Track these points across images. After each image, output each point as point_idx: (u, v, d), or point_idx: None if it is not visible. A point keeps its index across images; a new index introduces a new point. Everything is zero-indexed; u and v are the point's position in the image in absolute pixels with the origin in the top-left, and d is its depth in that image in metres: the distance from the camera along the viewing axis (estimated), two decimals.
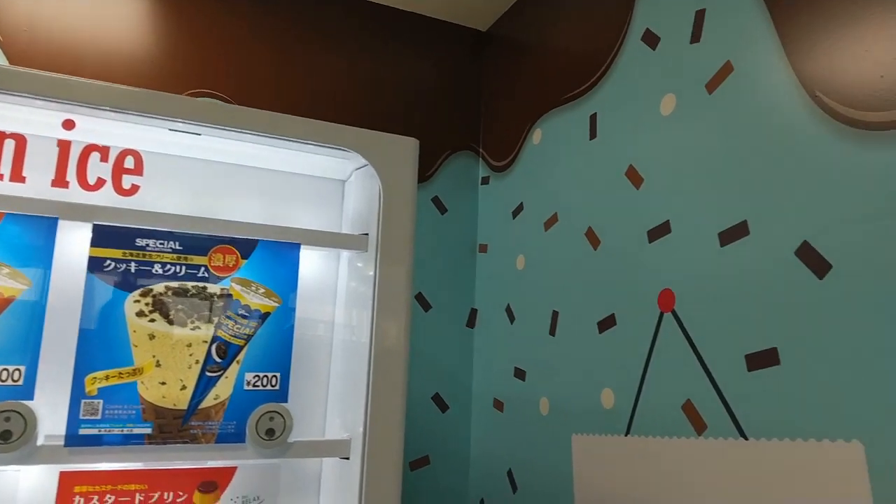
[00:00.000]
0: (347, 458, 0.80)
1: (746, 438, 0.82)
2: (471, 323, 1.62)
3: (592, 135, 1.24)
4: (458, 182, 1.66)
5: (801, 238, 0.79)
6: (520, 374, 1.39)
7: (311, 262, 0.86)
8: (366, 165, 0.82)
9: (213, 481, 0.75)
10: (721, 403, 0.87)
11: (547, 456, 1.25)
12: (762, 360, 0.82)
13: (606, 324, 1.13)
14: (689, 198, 0.98)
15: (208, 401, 0.74)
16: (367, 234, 0.83)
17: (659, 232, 1.03)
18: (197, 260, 0.75)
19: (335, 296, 0.89)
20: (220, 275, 0.76)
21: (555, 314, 1.29)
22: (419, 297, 1.58)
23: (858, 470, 0.69)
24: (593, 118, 1.24)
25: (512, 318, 1.45)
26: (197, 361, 0.74)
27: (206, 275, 0.76)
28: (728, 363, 0.87)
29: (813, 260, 0.77)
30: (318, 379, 0.87)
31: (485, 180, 1.66)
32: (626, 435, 1.04)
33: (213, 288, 0.76)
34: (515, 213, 1.49)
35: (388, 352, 0.81)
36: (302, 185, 0.89)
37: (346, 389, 0.85)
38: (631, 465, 1.02)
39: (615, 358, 1.09)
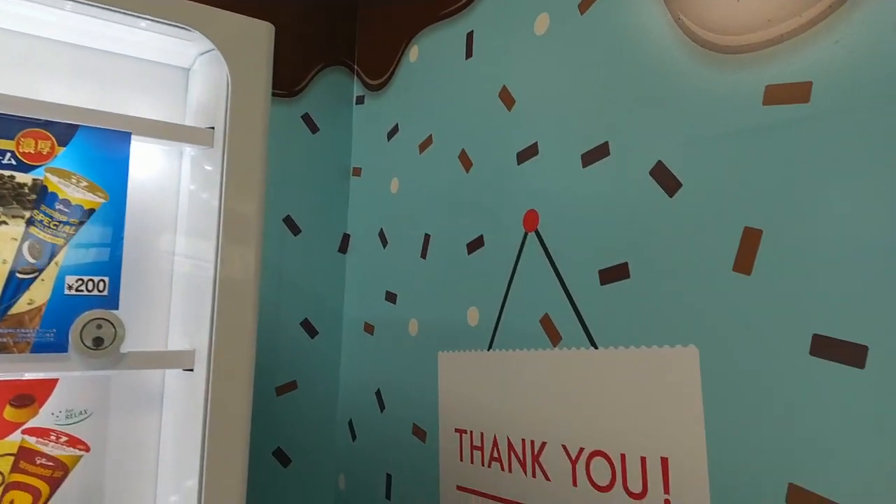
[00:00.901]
0: (191, 370, 0.75)
1: (597, 348, 0.86)
2: (343, 248, 1.58)
3: (469, 54, 1.21)
4: (330, 100, 1.58)
5: (657, 158, 0.82)
6: (391, 297, 1.38)
7: (151, 159, 0.78)
8: (212, 50, 0.73)
9: (29, 395, 0.68)
10: (575, 316, 0.90)
11: (414, 374, 1.26)
12: (614, 274, 0.85)
13: (475, 245, 1.13)
14: (557, 119, 0.98)
15: (20, 306, 0.66)
16: (212, 128, 0.75)
17: (527, 154, 1.03)
18: (1, 144, 0.64)
19: (178, 199, 0.81)
20: (32, 163, 0.66)
21: (427, 237, 1.27)
22: (288, 221, 1.50)
23: (692, 372, 0.74)
24: (470, 36, 1.21)
25: (385, 243, 1.43)
26: (4, 261, 0.64)
27: (14, 162, 0.65)
28: (583, 278, 0.90)
29: (665, 179, 0.80)
30: (159, 287, 0.80)
31: (359, 100, 1.59)
32: (488, 350, 1.06)
33: (22, 178, 0.66)
34: (390, 134, 1.44)
35: (237, 259, 0.75)
36: (139, 70, 0.79)
37: (190, 299, 0.78)
38: (492, 378, 1.05)
39: (481, 277, 1.10)
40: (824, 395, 0.61)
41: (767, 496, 0.65)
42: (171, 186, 0.80)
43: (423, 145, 1.32)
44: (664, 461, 0.76)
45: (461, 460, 1.12)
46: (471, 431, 1.09)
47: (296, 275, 1.51)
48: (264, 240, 1.45)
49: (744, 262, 0.69)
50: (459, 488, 1.11)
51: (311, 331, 1.52)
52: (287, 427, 1.48)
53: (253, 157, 0.76)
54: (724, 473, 0.70)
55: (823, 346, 0.61)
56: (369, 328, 1.45)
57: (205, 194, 0.77)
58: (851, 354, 0.59)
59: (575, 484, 0.88)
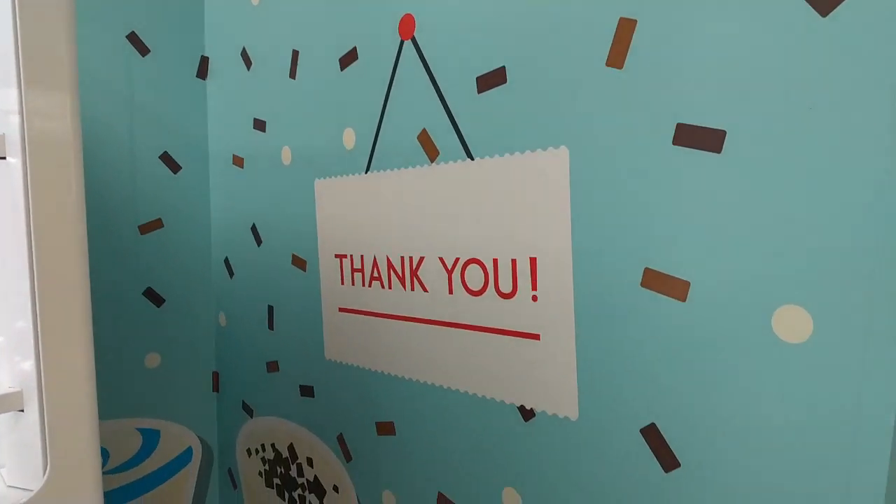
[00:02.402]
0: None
1: (473, 159, 0.85)
2: (202, 73, 1.42)
3: None
4: None
5: None
6: (259, 125, 1.28)
7: None
8: None
9: None
10: (452, 128, 0.87)
11: (290, 205, 1.22)
12: (491, 80, 0.82)
13: (348, 59, 1.05)
14: None
15: None
16: None
17: None
18: None
19: None
20: None
21: (295, 54, 1.17)
22: (133, 38, 1.32)
23: (562, 173, 0.75)
24: None
25: (248, 64, 1.30)
26: None
27: None
28: (461, 87, 0.86)
29: None
30: None
31: None
32: (366, 173, 1.03)
33: None
34: None
35: (47, 108, 0.60)
36: None
37: None
38: (370, 201, 1.02)
39: (356, 95, 1.04)
40: (684, 182, 0.64)
41: (624, 281, 0.70)
42: None
43: None
44: (532, 261, 0.79)
45: (342, 284, 1.12)
46: (351, 255, 1.08)
47: (149, 103, 1.36)
48: (106, 58, 1.27)
49: (617, 55, 0.68)
50: (342, 310, 1.13)
51: (172, 165, 1.41)
52: (156, 267, 1.41)
53: None
54: (586, 266, 0.74)
55: (685, 135, 0.63)
56: (238, 161, 1.36)
57: None
58: (710, 140, 0.62)
59: (451, 292, 0.91)
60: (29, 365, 0.55)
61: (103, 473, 1.29)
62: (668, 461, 0.68)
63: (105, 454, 1.39)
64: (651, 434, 0.70)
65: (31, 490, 0.50)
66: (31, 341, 0.56)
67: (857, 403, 0.56)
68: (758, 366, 0.61)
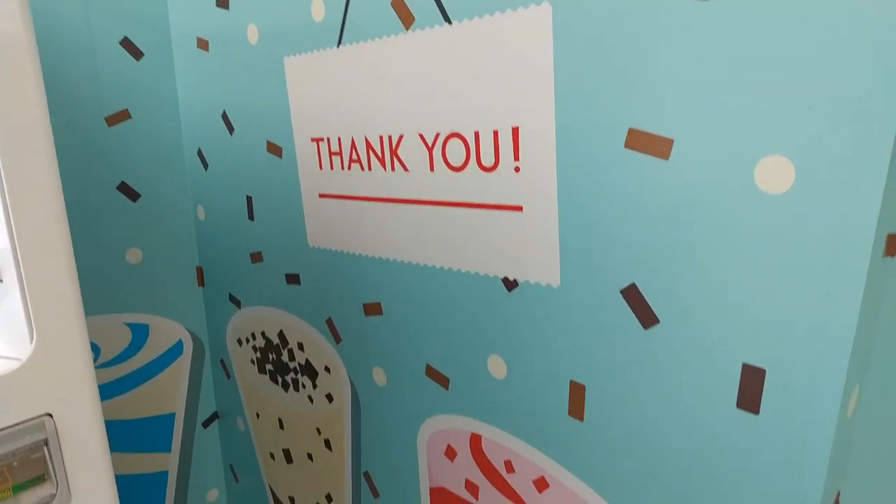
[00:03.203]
0: None
1: (450, 23, 0.81)
2: None
3: None
4: None
5: None
6: (222, 2, 1.20)
7: None
8: None
9: None
10: None
11: (260, 88, 1.17)
12: None
13: None
14: None
15: None
16: None
17: None
18: None
19: None
20: None
21: None
22: None
23: (544, 32, 0.71)
24: None
25: None
26: None
27: None
28: None
29: None
30: None
31: None
32: (338, 46, 0.98)
33: None
34: None
35: None
36: None
37: None
38: (344, 77, 0.98)
39: None
40: (667, 34, 0.62)
41: (608, 144, 0.69)
42: None
43: None
44: (515, 131, 0.77)
45: (321, 169, 1.09)
46: (327, 138, 1.05)
47: None
48: None
49: None
50: (322, 196, 1.11)
51: (134, 52, 1.33)
52: (128, 160, 1.37)
53: None
54: (569, 131, 0.72)
55: None
56: (203, 44, 1.29)
57: None
58: None
59: (432, 170, 0.89)
60: (3, 238, 0.54)
61: (96, 368, 1.31)
62: (648, 319, 0.70)
63: (96, 349, 1.41)
64: (631, 294, 0.71)
65: (20, 359, 0.51)
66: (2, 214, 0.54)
67: (834, 254, 0.57)
68: (738, 220, 0.61)
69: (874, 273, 0.57)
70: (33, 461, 0.55)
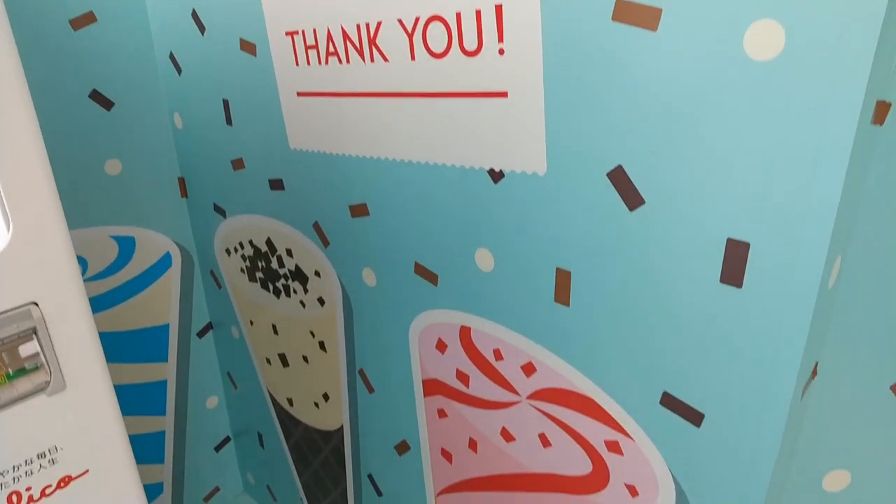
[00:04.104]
0: None
1: None
2: None
3: None
4: None
5: None
6: None
7: None
8: None
9: None
10: None
11: None
12: None
13: None
14: None
15: None
16: None
17: None
18: None
19: None
20: None
21: None
22: None
23: None
24: None
25: None
26: None
27: None
28: None
29: None
30: None
31: None
32: None
33: None
34: None
35: None
36: None
37: None
38: None
39: None
40: None
41: (595, 17, 0.66)
42: None
43: None
44: (498, 9, 0.74)
45: (297, 65, 1.05)
46: (302, 31, 1.01)
47: None
48: None
49: None
50: (300, 94, 1.08)
51: None
52: (97, 66, 1.31)
53: None
54: (554, 6, 0.69)
55: None
56: None
57: None
58: None
59: (413, 58, 0.86)
60: None
61: (85, 281, 1.31)
62: (634, 200, 0.70)
63: (83, 262, 1.41)
64: (617, 176, 0.71)
65: None
66: None
67: (822, 121, 0.56)
68: (725, 91, 0.60)
69: (861, 140, 0.56)
70: (25, 350, 0.55)
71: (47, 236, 0.51)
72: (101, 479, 0.62)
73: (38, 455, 0.57)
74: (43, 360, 0.56)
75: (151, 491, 1.69)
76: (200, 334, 1.68)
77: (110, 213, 1.41)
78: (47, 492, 0.58)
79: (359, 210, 1.08)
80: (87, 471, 0.60)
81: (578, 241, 0.77)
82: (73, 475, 0.59)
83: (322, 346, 1.32)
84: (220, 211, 1.43)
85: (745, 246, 0.63)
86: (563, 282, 0.81)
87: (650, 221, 0.69)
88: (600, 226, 0.74)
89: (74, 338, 0.57)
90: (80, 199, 1.36)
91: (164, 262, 1.55)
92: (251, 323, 1.52)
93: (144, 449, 1.64)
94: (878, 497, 0.79)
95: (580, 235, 0.77)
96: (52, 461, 0.58)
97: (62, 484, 0.59)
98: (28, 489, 0.57)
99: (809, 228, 0.59)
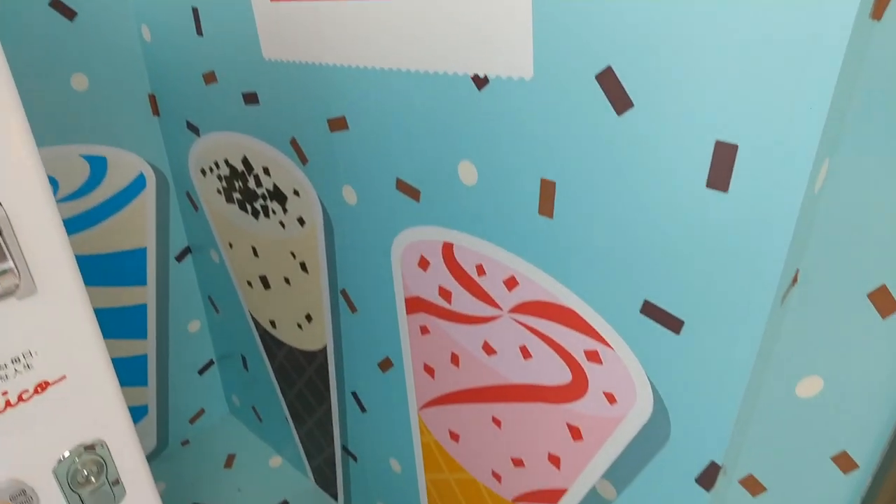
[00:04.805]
0: None
1: None
2: None
3: None
4: None
5: None
6: None
7: None
8: None
9: None
10: None
11: None
12: None
13: None
14: None
15: None
16: None
17: None
18: None
19: None
20: None
21: None
22: None
23: None
24: None
25: None
26: None
27: None
28: None
29: None
30: None
31: None
32: None
33: None
34: None
35: None
36: None
37: None
38: None
39: None
40: None
41: None
42: None
43: None
44: None
45: None
46: None
47: None
48: None
49: None
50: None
51: None
52: None
53: None
54: None
55: None
56: None
57: None
58: None
59: None
60: None
61: (57, 202, 1.27)
62: (622, 103, 0.68)
63: (54, 182, 1.36)
64: (606, 78, 0.68)
65: None
66: None
67: (817, 13, 0.53)
68: None
69: (857, 36, 0.54)
70: None
71: (3, 133, 0.49)
72: (79, 386, 0.61)
73: (11, 360, 0.56)
74: (11, 262, 0.54)
75: (136, 412, 1.71)
76: (179, 258, 1.65)
77: (79, 131, 1.36)
78: (24, 397, 0.57)
79: (338, 124, 1.04)
80: (64, 376, 0.59)
81: (564, 150, 0.75)
82: (51, 381, 0.59)
83: (303, 266, 1.31)
84: (194, 129, 1.38)
85: (734, 148, 0.61)
86: (547, 193, 0.80)
87: (638, 126, 0.67)
88: (587, 132, 0.72)
89: (42, 239, 0.55)
90: (45, 115, 1.30)
91: (138, 184, 1.51)
92: (230, 245, 1.50)
93: (127, 371, 1.65)
94: (847, 403, 0.82)
95: (566, 144, 0.75)
96: (27, 366, 0.57)
97: (39, 389, 0.58)
98: (4, 393, 0.56)
99: (799, 129, 0.57)
